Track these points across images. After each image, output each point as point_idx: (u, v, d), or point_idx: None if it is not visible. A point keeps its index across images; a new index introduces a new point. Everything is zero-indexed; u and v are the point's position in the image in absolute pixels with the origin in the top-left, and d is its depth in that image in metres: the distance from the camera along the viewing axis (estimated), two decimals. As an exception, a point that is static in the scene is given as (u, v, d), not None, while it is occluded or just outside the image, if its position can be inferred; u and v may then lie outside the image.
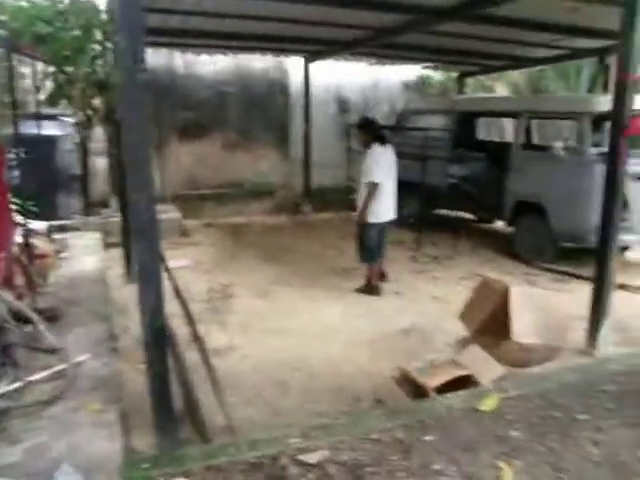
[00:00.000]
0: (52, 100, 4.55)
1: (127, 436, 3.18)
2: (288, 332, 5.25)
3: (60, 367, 3.63)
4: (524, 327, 3.61)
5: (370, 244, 6.54)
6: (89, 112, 5.04)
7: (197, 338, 3.74)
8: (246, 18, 6.96)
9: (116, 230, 7.91)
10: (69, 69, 4.06)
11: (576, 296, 6.30)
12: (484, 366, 3.55)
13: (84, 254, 6.97)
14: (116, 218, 8.70)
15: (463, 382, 3.48)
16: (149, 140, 2.98)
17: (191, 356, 4.63)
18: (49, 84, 4.56)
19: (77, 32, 3.79)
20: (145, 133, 2.95)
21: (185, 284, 6.62)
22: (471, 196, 9.07)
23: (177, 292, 3.79)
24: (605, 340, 4.74)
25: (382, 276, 6.85)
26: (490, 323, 3.88)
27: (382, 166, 6.25)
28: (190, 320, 3.75)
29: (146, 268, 3.05)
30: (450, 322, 5.35)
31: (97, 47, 4.00)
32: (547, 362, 3.73)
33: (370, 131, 6.42)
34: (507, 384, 3.42)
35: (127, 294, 6.34)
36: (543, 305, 3.77)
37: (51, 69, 4.42)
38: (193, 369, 4.36)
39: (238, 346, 4.94)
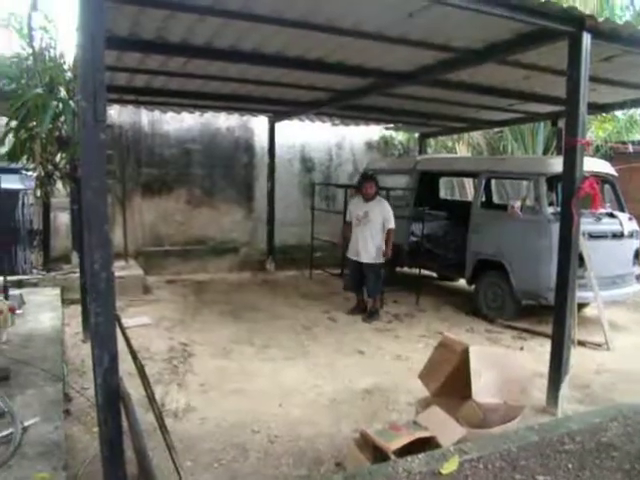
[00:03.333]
0: (13, 155, 4.52)
1: (75, 506, 3.03)
2: (248, 393, 5.15)
3: (6, 432, 3.47)
4: (484, 387, 3.61)
5: (382, 277, 7.76)
6: (50, 168, 5.01)
7: (151, 400, 3.62)
8: (210, 79, 7.08)
9: (76, 286, 7.74)
10: (31, 125, 4.04)
11: (537, 353, 6.40)
12: (445, 427, 3.51)
13: (41, 311, 6.80)
14: (76, 274, 8.56)
15: (424, 444, 3.42)
16: (106, 199, 2.96)
17: (148, 419, 4.53)
18: (10, 139, 4.53)
19: (40, 90, 3.80)
20: (103, 192, 2.94)
21: (145, 343, 6.53)
22: (433, 254, 9.21)
23: (133, 353, 3.69)
24: (565, 397, 4.77)
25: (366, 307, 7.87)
26: (450, 383, 3.87)
27: None
28: (144, 381, 3.64)
29: (100, 329, 3.00)
30: (412, 381, 5.29)
31: (60, 104, 4.00)
32: (508, 421, 3.71)
33: (377, 184, 7.63)
34: (468, 445, 3.37)
35: (84, 353, 6.20)
36: (503, 364, 3.78)
37: (13, 124, 4.40)
38: (150, 433, 4.24)
39: (197, 408, 4.81)
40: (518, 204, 7.37)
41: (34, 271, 8.51)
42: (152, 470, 3.28)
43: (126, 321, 7.39)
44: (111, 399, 3.04)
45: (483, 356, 3.72)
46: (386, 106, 8.96)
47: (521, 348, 6.60)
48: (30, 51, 4.66)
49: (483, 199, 8.35)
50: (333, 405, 4.93)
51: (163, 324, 7.31)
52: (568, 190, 4.51)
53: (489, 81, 6.82)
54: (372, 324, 7.55)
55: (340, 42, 5.42)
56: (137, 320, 7.43)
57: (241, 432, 4.39)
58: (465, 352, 3.74)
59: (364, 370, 5.81)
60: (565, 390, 4.72)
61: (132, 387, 5.00)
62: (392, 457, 3.27)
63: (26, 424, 3.71)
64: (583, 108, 4.27)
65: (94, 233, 2.91)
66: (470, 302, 8.39)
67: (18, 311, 6.68)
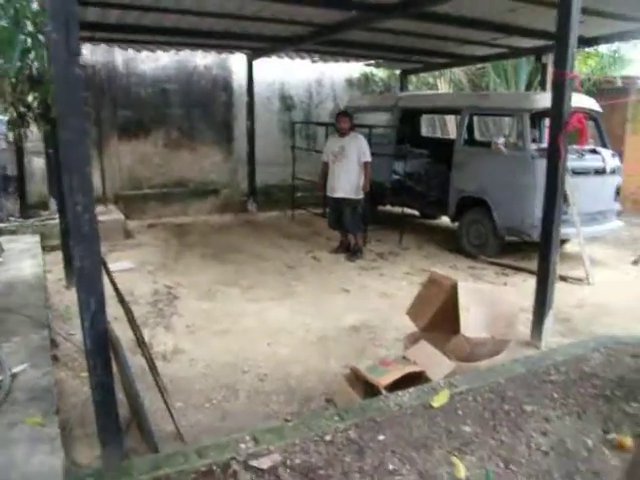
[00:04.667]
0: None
1: (70, 449, 3.05)
2: (235, 334, 5.16)
3: (-5, 379, 3.45)
4: (472, 322, 3.64)
5: (363, 213, 7.74)
6: (22, 109, 4.80)
7: (141, 343, 3.61)
8: (186, 13, 6.80)
9: (55, 233, 7.61)
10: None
11: (520, 289, 6.48)
12: (434, 362, 3.55)
13: (21, 259, 6.70)
14: (55, 220, 8.41)
15: (414, 379, 3.47)
16: (87, 139, 2.84)
17: (137, 362, 4.53)
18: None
19: (4, 23, 3.59)
20: (82, 131, 2.81)
21: (129, 287, 6.46)
22: (416, 192, 9.17)
23: (119, 295, 3.65)
24: (549, 331, 4.86)
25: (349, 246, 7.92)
26: (438, 319, 3.90)
27: None
28: (133, 324, 3.62)
29: (86, 273, 2.93)
30: (398, 317, 5.36)
31: (28, 39, 3.80)
32: (495, 355, 3.77)
33: (352, 119, 7.63)
34: (457, 379, 3.43)
35: (68, 299, 6.14)
36: (490, 300, 3.81)
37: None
38: (139, 376, 4.24)
39: (185, 350, 4.82)
40: (501, 140, 7.32)
41: (11, 218, 8.34)
42: (144, 412, 3.30)
43: (109, 266, 7.35)
44: (100, 343, 3.01)
45: (471, 292, 3.74)
46: (367, 41, 8.74)
47: (504, 284, 6.68)
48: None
49: (466, 136, 8.26)
50: (321, 342, 4.97)
51: (146, 268, 7.25)
52: (556, 125, 4.45)
53: (473, 13, 6.65)
54: (356, 262, 7.57)
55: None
56: (120, 265, 7.35)
57: (230, 372, 4.41)
58: (454, 288, 3.76)
59: (350, 308, 5.85)
60: (549, 324, 4.80)
61: (119, 331, 5.03)
62: (383, 392, 3.31)
63: (15, 370, 3.69)
64: (573, 40, 4.17)
65: (75, 175, 2.81)
66: (453, 240, 8.43)
67: (-1, 258, 6.59)
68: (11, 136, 8.21)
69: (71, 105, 2.77)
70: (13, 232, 8.00)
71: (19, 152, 8.34)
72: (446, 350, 3.67)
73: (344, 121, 7.49)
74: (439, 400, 3.11)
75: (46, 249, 7.59)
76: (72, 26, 2.71)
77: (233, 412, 3.86)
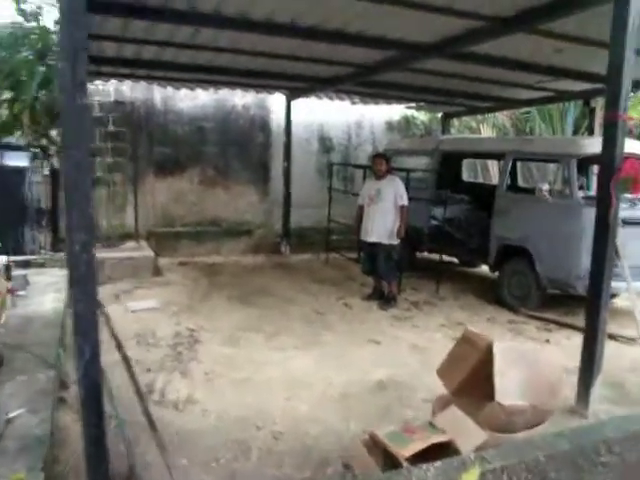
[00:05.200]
0: (5, 128, 4.21)
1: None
2: (254, 384, 4.85)
3: (-15, 426, 3.21)
4: (509, 387, 3.25)
5: (398, 260, 7.41)
6: (44, 142, 4.70)
7: (140, 397, 3.34)
8: (221, 51, 6.72)
9: (83, 268, 7.48)
10: (21, 95, 3.73)
11: (564, 347, 6.00)
12: (464, 431, 3.16)
13: (45, 292, 6.56)
14: (84, 255, 8.32)
15: (441, 448, 3.09)
16: (89, 173, 2.63)
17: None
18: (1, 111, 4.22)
19: (30, 55, 3.49)
20: (86, 165, 2.61)
21: (151, 327, 6.27)
22: (454, 239, 8.80)
23: (117, 342, 3.40)
24: (597, 397, 4.40)
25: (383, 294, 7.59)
26: (472, 381, 3.51)
27: None
28: (131, 374, 3.36)
29: (81, 317, 2.69)
30: (429, 375, 4.94)
31: (50, 71, 3.70)
32: (535, 426, 3.35)
33: (389, 162, 7.40)
34: (490, 453, 3.02)
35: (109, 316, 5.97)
36: (531, 361, 3.42)
37: (4, 96, 4.09)
38: (144, 426, 3.97)
39: (199, 399, 4.52)
40: (546, 187, 6.93)
41: (42, 251, 8.29)
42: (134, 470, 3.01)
43: (133, 304, 7.19)
44: (93, 394, 2.75)
45: (509, 353, 3.36)
46: (408, 83, 8.53)
47: (547, 341, 6.20)
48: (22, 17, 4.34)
49: (508, 182, 7.89)
50: (343, 400, 4.61)
51: (171, 308, 7.04)
52: (606, 171, 4.08)
53: (517, 54, 6.36)
54: (389, 311, 7.21)
55: (359, 9, 5.02)
56: (144, 304, 7.18)
57: (244, 427, 4.09)
58: (489, 348, 3.38)
59: (378, 361, 5.48)
60: (597, 390, 4.35)
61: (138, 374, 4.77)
62: (404, 464, 2.94)
63: (10, 415, 3.45)
64: (627, 80, 3.84)
65: (75, 212, 2.60)
66: (492, 290, 8.00)
67: (21, 292, 6.46)
68: (46, 170, 8.26)
69: (75, 137, 2.58)
70: (42, 265, 7.93)
71: (54, 185, 8.32)
72: (479, 418, 3.27)
73: (380, 163, 7.24)
74: (468, 479, 2.72)
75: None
76: (79, 55, 2.52)
77: (242, 474, 3.52)
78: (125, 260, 8.43)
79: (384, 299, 7.48)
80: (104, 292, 7.58)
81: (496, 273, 7.94)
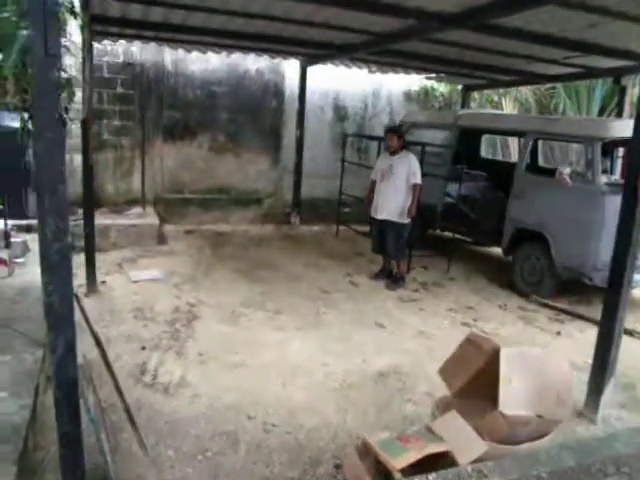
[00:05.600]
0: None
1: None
2: (250, 368, 4.68)
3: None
4: (513, 396, 3.03)
5: (408, 239, 7.18)
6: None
7: (119, 394, 3.17)
8: (233, 14, 6.37)
9: (87, 233, 7.32)
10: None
11: (576, 341, 5.77)
12: (463, 440, 2.96)
13: (43, 260, 6.40)
14: (89, 220, 8.15)
15: (437, 458, 2.89)
16: (63, 153, 2.40)
17: (136, 394, 4.10)
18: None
19: (10, 15, 3.23)
20: (58, 144, 2.37)
21: (150, 300, 6.11)
22: (468, 218, 8.49)
23: (96, 338, 3.21)
24: (608, 402, 4.18)
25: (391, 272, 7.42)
26: (475, 385, 3.30)
27: None
28: (110, 370, 3.19)
29: (55, 309, 2.50)
30: (433, 365, 4.71)
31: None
32: (540, 438, 3.14)
33: (402, 137, 7.02)
34: (489, 466, 2.81)
35: (86, 308, 5.79)
36: (539, 369, 3.18)
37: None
38: (137, 408, 3.81)
39: (191, 382, 4.37)
40: (567, 170, 6.59)
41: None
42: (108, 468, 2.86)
43: (135, 274, 7.03)
44: (68, 390, 2.57)
45: (516, 359, 3.13)
46: (429, 53, 8.12)
47: (558, 333, 5.96)
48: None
49: (528, 162, 7.53)
50: (342, 389, 4.43)
51: (173, 279, 6.87)
52: (635, 159, 3.77)
53: (547, 28, 5.94)
54: (396, 292, 6.99)
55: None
56: (146, 274, 7.02)
57: (235, 416, 3.93)
58: (495, 353, 3.16)
59: (381, 347, 5.28)
60: (609, 395, 4.12)
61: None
62: (397, 476, 2.76)
63: (-15, 402, 3.31)
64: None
65: (47, 195, 2.39)
66: (505, 273, 7.74)
67: (19, 259, 6.33)
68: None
69: (47, 114, 2.34)
70: (44, 230, 7.76)
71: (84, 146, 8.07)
72: (480, 426, 3.07)
73: (391, 138, 6.92)
74: (464, 498, 2.52)
75: (76, 249, 7.27)
76: (51, 21, 2.26)
77: (227, 469, 3.36)
78: (130, 227, 8.25)
79: (392, 279, 7.26)
80: (108, 260, 7.47)
81: (509, 256, 7.65)
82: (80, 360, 3.36)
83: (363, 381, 4.58)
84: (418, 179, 6.85)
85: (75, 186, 8.74)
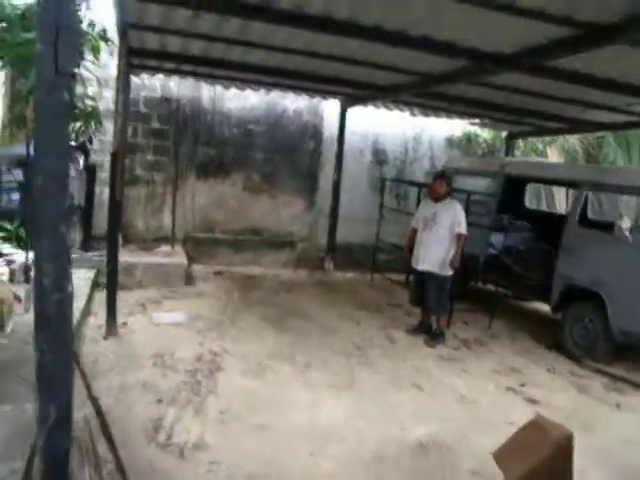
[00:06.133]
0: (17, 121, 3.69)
1: None
2: (275, 432, 4.20)
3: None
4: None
5: (450, 293, 6.71)
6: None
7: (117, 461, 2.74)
8: (274, 49, 6.12)
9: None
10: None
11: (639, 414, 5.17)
12: None
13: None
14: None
15: None
16: (66, 189, 2.04)
17: (148, 454, 3.68)
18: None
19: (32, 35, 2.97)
20: (61, 178, 2.02)
21: (171, 347, 5.70)
22: (512, 271, 7.96)
23: (90, 393, 2.80)
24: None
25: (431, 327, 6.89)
26: (537, 478, 2.80)
27: None
28: (104, 429, 2.76)
29: (48, 372, 2.12)
30: (478, 437, 4.29)
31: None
32: None
33: (450, 184, 6.65)
34: None
35: (100, 351, 5.44)
36: (621, 462, 2.68)
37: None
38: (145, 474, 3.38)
39: (210, 445, 3.92)
40: (627, 225, 6.07)
41: (72, 250, 7.85)
42: None
43: (159, 316, 6.66)
44: (56, 468, 2.15)
45: (594, 452, 2.62)
46: (474, 97, 7.79)
47: (617, 405, 5.36)
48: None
49: (580, 215, 7.01)
50: (376, 462, 3.92)
51: (197, 324, 6.49)
52: None
53: (609, 72, 5.54)
54: (436, 349, 6.48)
55: (425, 9, 4.35)
56: (170, 317, 6.66)
57: (255, 491, 3.46)
58: (565, 442, 2.65)
59: (420, 412, 4.77)
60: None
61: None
62: None
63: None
64: None
65: (46, 235, 2.03)
66: (551, 331, 7.18)
67: (38, 296, 6.00)
68: (81, 163, 7.84)
69: (50, 140, 1.99)
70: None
71: (89, 181, 7.88)
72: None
73: (439, 184, 6.51)
74: None
75: (101, 286, 7.00)
76: (65, 37, 1.93)
77: None
78: (157, 266, 7.94)
79: (431, 334, 6.76)
80: (131, 299, 7.15)
81: (558, 314, 7.08)
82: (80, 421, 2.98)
83: (399, 453, 4.06)
84: (463, 229, 6.41)
85: (104, 220, 8.56)
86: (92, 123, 3.35)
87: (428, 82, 6.84)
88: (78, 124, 3.51)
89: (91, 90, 7.00)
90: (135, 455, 3.66)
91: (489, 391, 5.43)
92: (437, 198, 6.56)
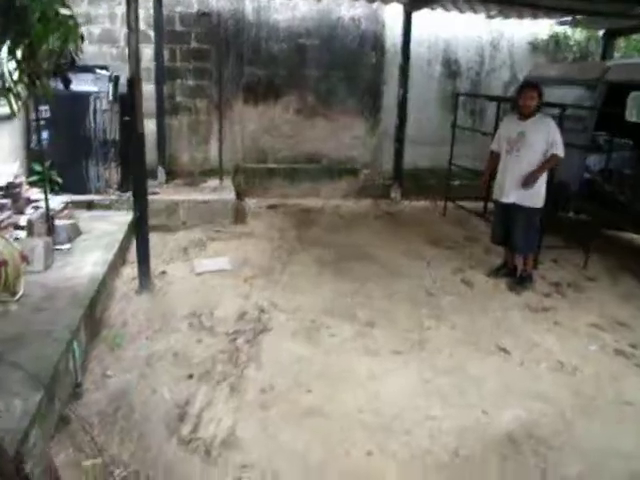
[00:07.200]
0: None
1: None
2: (325, 419, 3.40)
3: None
4: None
5: (541, 227, 5.77)
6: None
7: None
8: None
9: (155, 210, 6.36)
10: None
11: None
12: None
13: (94, 247, 5.40)
14: (158, 195, 7.18)
15: None
16: None
17: (166, 453, 2.96)
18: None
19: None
20: None
21: (213, 300, 4.96)
22: (616, 199, 6.71)
23: None
24: None
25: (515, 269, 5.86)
26: None
27: None
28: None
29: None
30: (586, 423, 3.37)
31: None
32: None
33: (542, 96, 5.36)
34: None
35: (131, 311, 4.76)
36: None
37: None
38: None
39: (242, 441, 3.16)
40: None
41: (109, 190, 7.18)
42: None
43: (201, 263, 5.90)
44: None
45: None
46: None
47: None
48: None
49: None
50: (452, 465, 3.06)
51: (244, 271, 5.74)
52: None
53: None
54: (522, 296, 5.48)
55: None
56: (213, 263, 5.92)
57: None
58: None
59: (508, 387, 3.85)
60: None
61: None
62: None
63: None
64: None
65: None
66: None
67: (65, 246, 5.34)
68: (110, 95, 7.04)
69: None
70: (108, 207, 6.86)
71: (122, 114, 7.06)
72: None
73: (531, 97, 5.27)
74: None
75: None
76: None
77: None
78: (202, 204, 7.17)
79: (516, 278, 5.73)
80: (173, 243, 6.50)
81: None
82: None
83: (484, 450, 3.18)
84: (560, 150, 5.25)
85: (147, 153, 7.79)
86: (70, 41, 2.56)
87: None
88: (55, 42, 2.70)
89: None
90: (152, 456, 2.97)
91: (592, 355, 4.42)
92: (526, 114, 5.34)
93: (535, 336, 4.66)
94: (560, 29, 9.48)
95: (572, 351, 4.43)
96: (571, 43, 9.55)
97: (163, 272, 5.61)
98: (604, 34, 9.28)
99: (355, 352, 4.25)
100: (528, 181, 5.29)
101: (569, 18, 8.68)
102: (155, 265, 5.52)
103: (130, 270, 5.55)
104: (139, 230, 5.17)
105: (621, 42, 9.93)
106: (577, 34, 9.60)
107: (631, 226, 6.87)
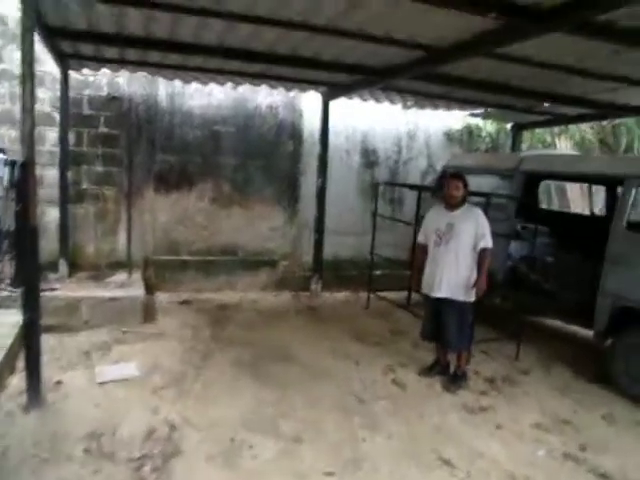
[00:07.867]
0: None
1: None
2: None
3: None
4: None
5: (472, 324, 5.41)
6: None
7: None
8: (236, 19, 4.68)
9: (51, 309, 5.66)
10: None
11: None
12: None
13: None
14: (56, 292, 6.45)
15: None
16: None
17: None
18: None
19: None
20: None
21: (114, 417, 4.25)
22: (541, 288, 6.60)
23: None
24: None
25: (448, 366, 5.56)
26: None
27: None
28: None
29: None
30: None
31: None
32: None
33: (467, 186, 5.23)
34: None
35: (16, 433, 3.99)
36: None
37: None
38: None
39: None
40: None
41: (0, 286, 6.40)
42: None
43: (103, 371, 5.17)
44: None
45: None
46: (483, 78, 6.43)
47: None
48: None
49: (628, 217, 5.64)
50: None
51: (153, 380, 5.07)
52: None
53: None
54: (458, 395, 5.11)
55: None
56: (118, 370, 5.22)
57: None
58: None
59: (458, 511, 3.37)
60: None
61: None
62: None
63: None
64: None
65: None
66: (591, 358, 5.96)
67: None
68: (5, 180, 6.41)
69: None
70: (-4, 306, 6.05)
71: (18, 200, 6.39)
72: None
73: (456, 187, 5.11)
74: None
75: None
76: None
77: None
78: (108, 301, 6.48)
79: (450, 376, 5.37)
80: (73, 345, 5.77)
81: (604, 341, 5.74)
82: None
83: None
84: (489, 242, 5.05)
85: (48, 245, 7.06)
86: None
87: (431, 58, 5.45)
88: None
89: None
90: None
91: (541, 461, 4.05)
92: (453, 204, 5.17)
93: (478, 443, 4.25)
94: (473, 121, 9.74)
95: (519, 459, 4.05)
96: (483, 134, 9.82)
97: (58, 382, 4.86)
98: (512, 127, 9.62)
99: (280, 476, 3.66)
100: (480, 289, 5.09)
101: (481, 110, 8.89)
102: (50, 374, 4.80)
103: (18, 381, 4.77)
104: (29, 335, 4.45)
105: (527, 135, 10.29)
106: (488, 126, 9.90)
107: (558, 314, 6.77)
